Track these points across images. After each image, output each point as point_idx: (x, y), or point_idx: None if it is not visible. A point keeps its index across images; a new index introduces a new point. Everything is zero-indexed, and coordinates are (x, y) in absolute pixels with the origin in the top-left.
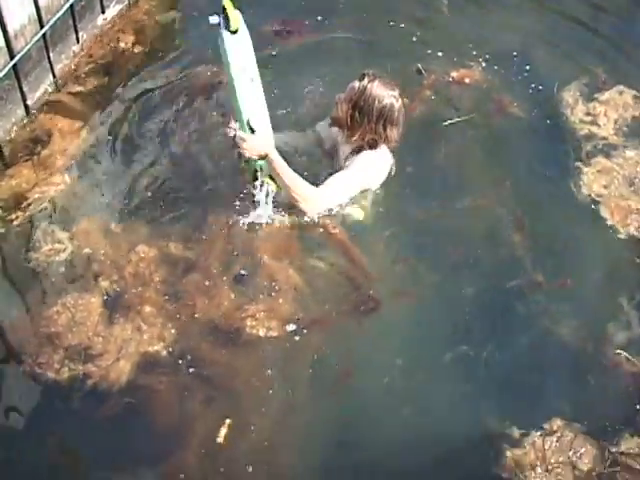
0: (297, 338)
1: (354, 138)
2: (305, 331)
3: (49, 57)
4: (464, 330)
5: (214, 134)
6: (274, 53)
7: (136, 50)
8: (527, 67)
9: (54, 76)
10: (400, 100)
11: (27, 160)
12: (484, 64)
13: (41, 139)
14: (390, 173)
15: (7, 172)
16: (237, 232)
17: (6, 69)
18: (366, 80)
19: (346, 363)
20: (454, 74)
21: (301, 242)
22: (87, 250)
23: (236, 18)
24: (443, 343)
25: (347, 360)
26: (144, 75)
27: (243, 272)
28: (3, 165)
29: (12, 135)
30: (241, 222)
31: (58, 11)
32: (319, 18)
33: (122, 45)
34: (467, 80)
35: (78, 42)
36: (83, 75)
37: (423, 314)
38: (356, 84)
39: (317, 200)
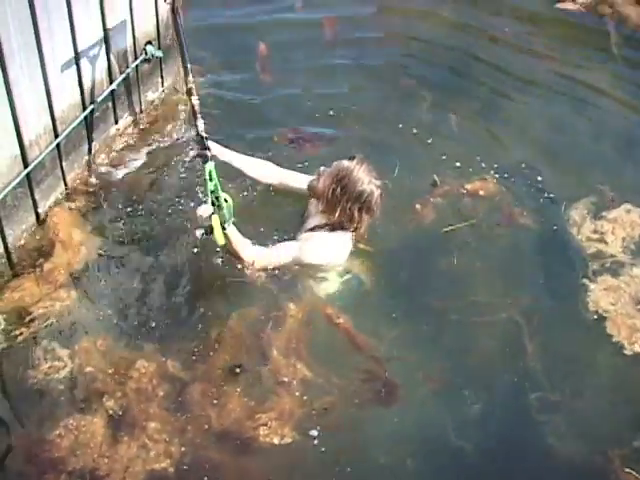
0: (314, 443)
1: (327, 213)
2: (321, 434)
3: (62, 166)
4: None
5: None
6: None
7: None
8: (539, 178)
9: (65, 185)
10: (381, 191)
11: (31, 272)
12: (497, 176)
13: (46, 250)
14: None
15: (12, 284)
16: (240, 331)
17: (20, 177)
18: (355, 162)
19: (365, 470)
20: (468, 186)
21: (306, 334)
22: (88, 368)
23: (220, 239)
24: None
25: (365, 466)
26: (153, 190)
27: (248, 371)
28: (10, 272)
29: (22, 242)
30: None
31: (73, 122)
32: (330, 125)
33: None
34: (481, 192)
35: (90, 152)
36: (93, 185)
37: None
38: (344, 163)
39: (256, 260)
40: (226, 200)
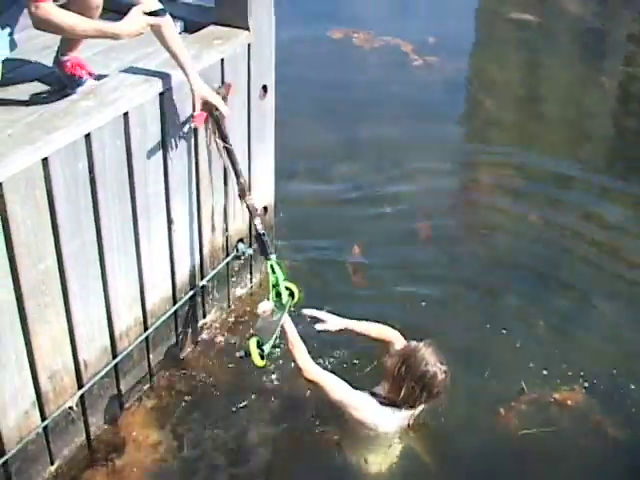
0: None
1: (392, 393)
2: None
3: (149, 358)
4: None
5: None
6: None
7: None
8: (632, 387)
9: (151, 378)
10: (446, 376)
11: (104, 465)
12: (586, 384)
13: (121, 446)
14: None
15: (85, 475)
16: None
17: (108, 367)
18: (423, 343)
19: None
20: (556, 395)
21: None
22: None
23: (258, 361)
24: None
25: None
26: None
27: None
28: (87, 462)
29: (101, 432)
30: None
31: (163, 315)
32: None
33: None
34: (569, 402)
35: (177, 344)
36: (178, 380)
37: None
38: (412, 343)
39: (307, 374)
40: (292, 294)
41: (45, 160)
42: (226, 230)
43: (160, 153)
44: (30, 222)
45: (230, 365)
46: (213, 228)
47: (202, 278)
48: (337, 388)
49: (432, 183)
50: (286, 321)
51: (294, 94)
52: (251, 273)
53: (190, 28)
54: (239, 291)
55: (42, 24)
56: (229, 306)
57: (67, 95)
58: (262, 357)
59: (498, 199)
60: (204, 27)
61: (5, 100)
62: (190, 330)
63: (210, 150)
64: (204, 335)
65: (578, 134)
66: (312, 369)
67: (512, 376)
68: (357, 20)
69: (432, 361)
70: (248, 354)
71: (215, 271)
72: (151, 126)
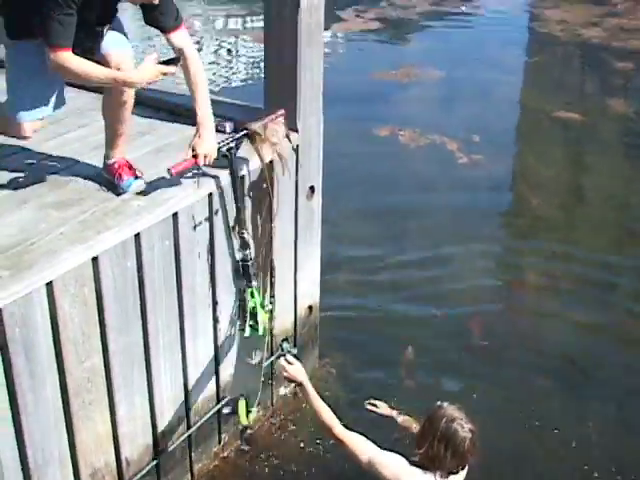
0: None
1: (420, 452)
2: None
3: (191, 457)
4: None
5: None
6: None
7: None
8: None
9: (192, 475)
10: (471, 435)
11: None
12: None
13: None
14: None
15: None
16: None
17: (149, 466)
18: (447, 403)
19: None
20: None
21: None
22: None
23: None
24: None
25: None
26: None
27: None
28: None
29: None
30: None
31: (206, 414)
32: None
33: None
34: None
35: (220, 443)
36: (217, 479)
37: None
38: (439, 402)
39: (334, 432)
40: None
41: (95, 259)
42: (271, 329)
43: (208, 252)
44: (78, 319)
45: (273, 463)
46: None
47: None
48: (365, 446)
49: (478, 282)
50: (307, 386)
51: (339, 191)
52: None
53: (239, 128)
54: (282, 390)
55: (59, 69)
56: (272, 404)
57: (118, 194)
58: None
59: (544, 300)
60: None
61: (58, 198)
62: (232, 429)
63: (256, 249)
64: (246, 434)
65: (624, 235)
66: (339, 428)
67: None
68: (403, 118)
69: (455, 417)
70: (235, 412)
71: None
72: (199, 226)
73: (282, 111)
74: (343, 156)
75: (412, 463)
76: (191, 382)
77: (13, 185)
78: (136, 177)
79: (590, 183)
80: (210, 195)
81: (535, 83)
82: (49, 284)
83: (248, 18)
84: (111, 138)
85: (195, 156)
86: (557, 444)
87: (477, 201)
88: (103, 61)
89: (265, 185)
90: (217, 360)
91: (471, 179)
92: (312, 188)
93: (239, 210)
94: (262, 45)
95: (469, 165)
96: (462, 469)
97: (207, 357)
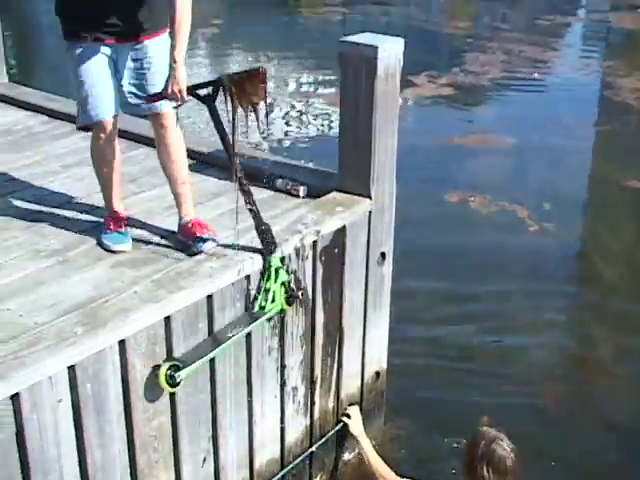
0: None
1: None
2: None
3: None
4: None
5: None
6: None
7: None
8: None
9: None
10: (509, 453)
11: None
12: None
13: None
14: None
15: None
16: None
17: None
18: (487, 427)
19: None
20: None
21: None
22: None
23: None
24: None
25: None
26: None
27: None
28: None
29: None
30: None
31: (270, 478)
32: None
33: None
34: None
35: None
36: None
37: None
38: (479, 427)
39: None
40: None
41: (167, 318)
42: (338, 395)
43: (278, 315)
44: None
45: None
46: (325, 392)
47: (311, 443)
48: None
49: (549, 352)
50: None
51: (409, 256)
52: None
53: (313, 193)
54: (347, 456)
55: None
56: (336, 470)
57: (192, 255)
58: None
59: (617, 372)
60: (327, 193)
61: (132, 256)
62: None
63: (325, 314)
64: None
65: None
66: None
67: None
68: (474, 184)
69: (494, 437)
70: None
71: (324, 439)
72: None
73: (262, 69)
74: (413, 221)
75: None
76: (256, 445)
77: (89, 242)
78: (208, 239)
79: None
80: (282, 259)
81: (607, 151)
82: (122, 342)
83: (320, 79)
84: (174, 198)
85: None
86: None
87: (547, 270)
88: None
89: (336, 250)
90: (282, 424)
91: (541, 247)
92: (383, 254)
93: (313, 273)
94: (334, 108)
95: (539, 233)
96: None
97: (273, 421)
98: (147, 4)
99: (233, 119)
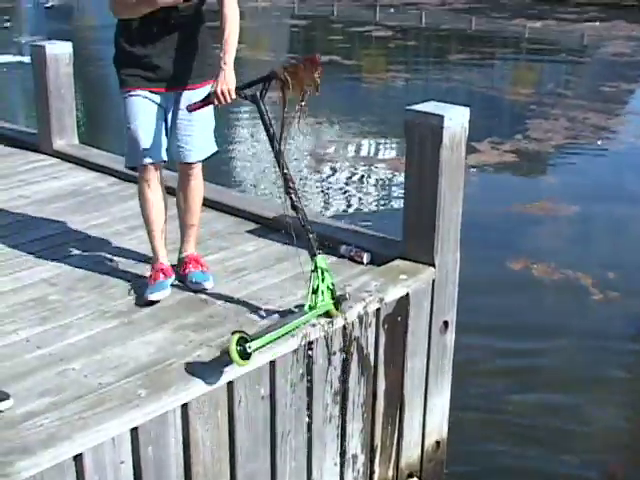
0: None
1: None
2: None
3: None
4: None
5: None
6: None
7: None
8: None
9: None
10: None
11: None
12: None
13: None
14: None
15: None
16: None
17: None
18: None
19: None
20: None
21: None
22: None
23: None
24: None
25: None
26: None
27: None
28: None
29: None
30: None
31: None
32: None
33: None
34: None
35: None
36: None
37: None
38: None
39: None
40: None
41: (230, 383)
42: (397, 464)
43: (340, 381)
44: (209, 442)
45: None
46: (385, 461)
47: None
48: None
49: (614, 426)
50: None
51: (471, 322)
52: None
53: (376, 261)
54: None
55: None
56: None
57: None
58: (244, 357)
59: None
60: (390, 260)
61: (196, 320)
62: None
63: (387, 382)
64: None
65: None
66: None
67: None
68: (537, 251)
69: None
70: (226, 351)
71: None
72: (333, 355)
73: (316, 57)
74: (475, 288)
75: None
76: None
77: (154, 305)
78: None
79: None
80: (344, 328)
81: None
82: (184, 405)
83: (382, 145)
84: (180, 234)
85: (210, 96)
86: None
87: (611, 338)
88: None
89: (399, 318)
90: None
91: (606, 317)
92: (446, 323)
93: (375, 341)
94: (396, 173)
95: (604, 302)
96: None
97: None
98: (197, 56)
99: (283, 112)
